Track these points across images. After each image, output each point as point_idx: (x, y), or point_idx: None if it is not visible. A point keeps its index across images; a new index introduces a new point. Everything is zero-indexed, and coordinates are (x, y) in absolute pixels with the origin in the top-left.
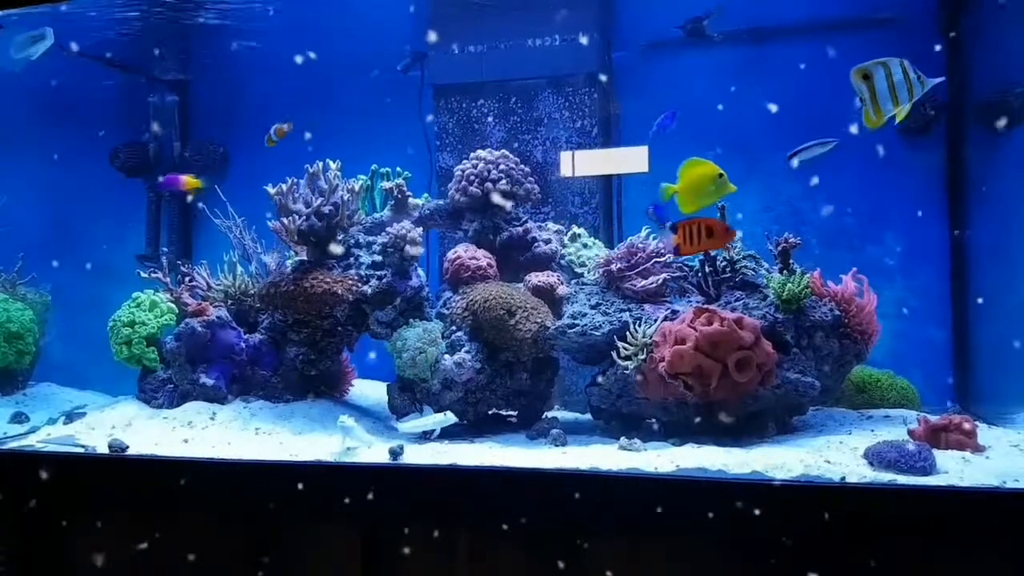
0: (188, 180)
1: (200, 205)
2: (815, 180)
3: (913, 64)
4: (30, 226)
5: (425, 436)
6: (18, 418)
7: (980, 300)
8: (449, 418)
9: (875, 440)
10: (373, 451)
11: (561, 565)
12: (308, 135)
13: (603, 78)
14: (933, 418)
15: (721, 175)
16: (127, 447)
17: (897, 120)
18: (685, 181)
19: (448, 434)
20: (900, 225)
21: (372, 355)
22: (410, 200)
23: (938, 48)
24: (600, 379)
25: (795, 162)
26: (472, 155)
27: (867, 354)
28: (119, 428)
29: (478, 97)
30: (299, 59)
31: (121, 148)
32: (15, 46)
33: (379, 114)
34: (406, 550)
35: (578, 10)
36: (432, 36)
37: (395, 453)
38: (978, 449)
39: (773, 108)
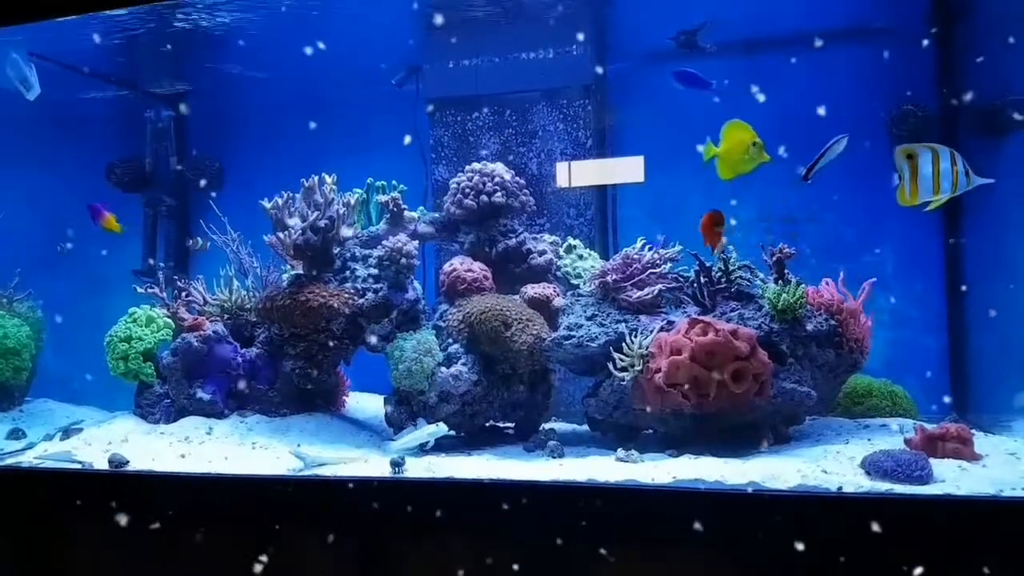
0: (109, 218)
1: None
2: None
3: (959, 158)
4: (26, 242)
5: (422, 448)
6: (15, 434)
7: (992, 312)
8: (441, 429)
9: (872, 449)
10: (373, 464)
11: None
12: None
13: (596, 97)
14: (930, 427)
15: (756, 143)
16: (127, 461)
17: (930, 208)
18: (725, 145)
19: (445, 447)
20: (896, 234)
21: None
22: (406, 213)
23: (931, 57)
24: (597, 390)
25: (810, 179)
26: (467, 168)
27: (863, 363)
28: (116, 443)
29: (473, 110)
30: (295, 74)
31: (117, 163)
32: (11, 65)
33: (374, 128)
34: (404, 563)
35: (572, 23)
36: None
37: (397, 465)
38: (975, 458)
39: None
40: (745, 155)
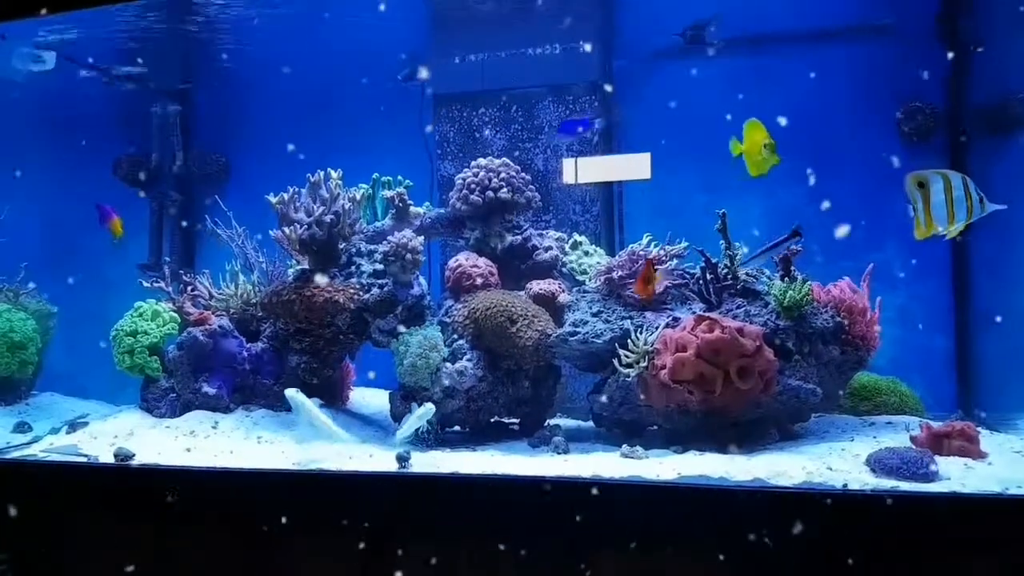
0: (116, 222)
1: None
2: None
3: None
4: (33, 236)
5: (417, 435)
6: (21, 428)
7: (998, 312)
8: (429, 409)
9: (877, 447)
10: (377, 460)
11: (564, 573)
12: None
13: (607, 87)
14: (936, 425)
15: (767, 144)
16: (133, 455)
17: (947, 236)
18: (748, 143)
19: (450, 442)
20: (902, 233)
21: (372, 375)
22: (411, 209)
23: (937, 55)
24: (602, 387)
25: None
26: (473, 163)
27: (868, 360)
28: (121, 437)
29: (479, 106)
30: (300, 69)
31: (123, 158)
32: (17, 57)
33: (380, 123)
34: (407, 558)
35: (578, 19)
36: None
37: (402, 459)
38: (981, 455)
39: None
40: (759, 155)
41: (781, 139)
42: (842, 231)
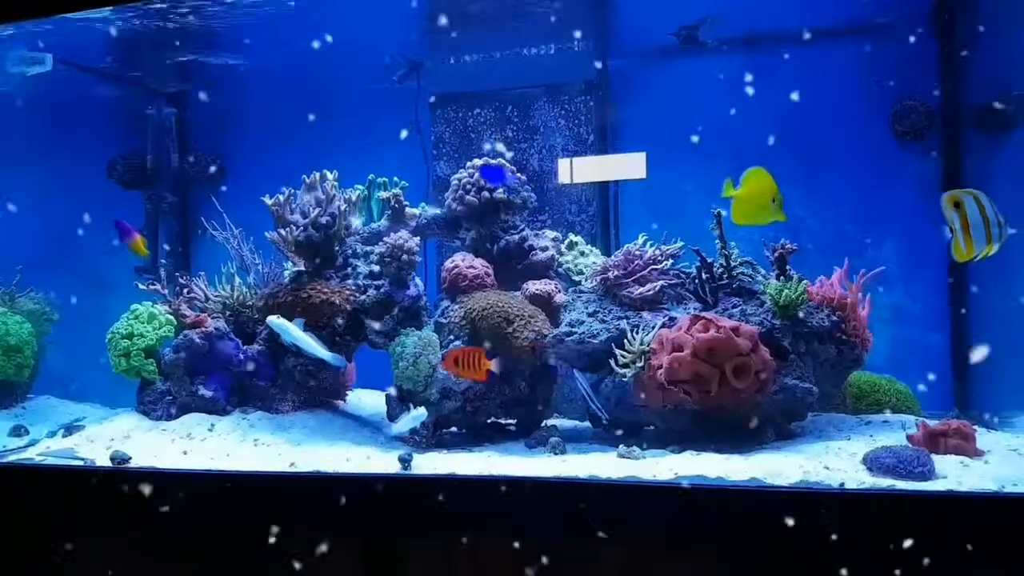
0: (138, 241)
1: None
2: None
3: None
4: (28, 238)
5: (412, 434)
6: (17, 431)
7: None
8: (421, 414)
9: (874, 446)
10: (375, 461)
11: (561, 573)
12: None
13: (598, 93)
14: (932, 423)
15: (776, 199)
16: (129, 458)
17: (979, 258)
18: (745, 190)
19: (447, 443)
20: (898, 230)
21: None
22: (407, 210)
23: (933, 52)
24: (599, 387)
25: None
26: (469, 164)
27: (864, 359)
28: (118, 440)
29: (474, 106)
30: (296, 70)
31: (119, 160)
32: (12, 60)
33: (376, 124)
34: (406, 559)
35: (573, 18)
36: (428, 46)
37: (404, 461)
38: (977, 454)
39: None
40: (763, 206)
41: (776, 137)
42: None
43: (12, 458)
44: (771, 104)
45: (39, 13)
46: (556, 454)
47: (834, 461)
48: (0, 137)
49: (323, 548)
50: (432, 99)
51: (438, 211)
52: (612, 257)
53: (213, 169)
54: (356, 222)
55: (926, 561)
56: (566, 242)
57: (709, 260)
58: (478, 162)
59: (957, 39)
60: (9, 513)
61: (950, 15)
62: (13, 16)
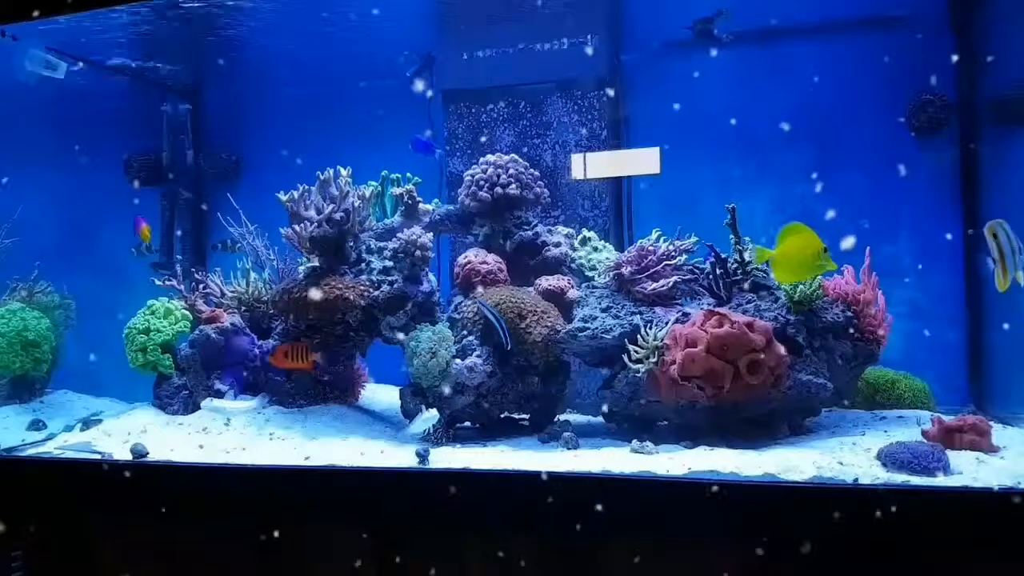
0: (145, 228)
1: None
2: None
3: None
4: (45, 235)
5: (428, 439)
6: (36, 425)
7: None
8: (434, 413)
9: (889, 441)
10: (389, 456)
11: (573, 568)
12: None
13: (611, 88)
14: (947, 419)
15: (825, 250)
16: (148, 452)
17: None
18: (783, 248)
19: (460, 438)
20: (913, 225)
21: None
22: (420, 205)
23: (950, 45)
24: (612, 382)
25: None
26: (482, 160)
27: (879, 355)
28: (135, 434)
29: (487, 102)
30: (310, 67)
31: (135, 157)
32: (30, 59)
33: (389, 120)
34: (419, 553)
35: (587, 13)
36: (441, 42)
37: (421, 456)
38: (992, 449)
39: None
40: (807, 263)
41: (791, 131)
42: (848, 242)
43: (31, 452)
44: (786, 97)
45: (51, 12)
46: (569, 449)
47: (848, 456)
48: (17, 133)
49: (337, 540)
50: (444, 96)
51: (451, 207)
52: (625, 253)
53: (228, 165)
54: (370, 219)
55: (941, 557)
56: (579, 238)
57: (723, 256)
58: (491, 158)
59: (974, 31)
60: (28, 506)
61: (966, 6)
62: (23, 15)
